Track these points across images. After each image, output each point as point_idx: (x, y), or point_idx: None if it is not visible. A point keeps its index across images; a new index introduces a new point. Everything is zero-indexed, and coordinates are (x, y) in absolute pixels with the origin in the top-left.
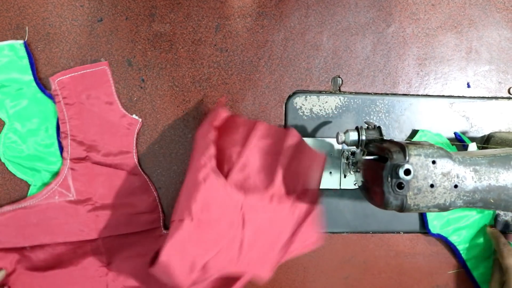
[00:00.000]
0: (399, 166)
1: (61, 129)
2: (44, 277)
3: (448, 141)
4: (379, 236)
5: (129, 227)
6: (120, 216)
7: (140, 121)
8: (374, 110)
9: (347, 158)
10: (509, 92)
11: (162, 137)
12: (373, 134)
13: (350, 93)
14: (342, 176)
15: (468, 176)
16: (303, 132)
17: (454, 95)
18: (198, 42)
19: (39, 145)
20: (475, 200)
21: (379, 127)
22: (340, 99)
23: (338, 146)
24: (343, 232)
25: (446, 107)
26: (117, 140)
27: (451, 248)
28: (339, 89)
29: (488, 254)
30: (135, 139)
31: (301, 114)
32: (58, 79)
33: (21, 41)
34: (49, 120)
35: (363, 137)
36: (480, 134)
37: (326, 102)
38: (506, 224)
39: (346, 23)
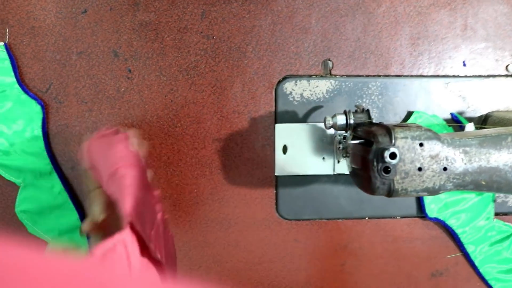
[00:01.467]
0: (384, 149)
1: None
2: None
3: (444, 122)
4: (375, 221)
5: None
6: None
7: None
8: (366, 93)
9: (339, 143)
10: (506, 70)
11: (151, 128)
12: (362, 118)
13: (341, 76)
14: (336, 161)
15: (458, 158)
16: (294, 117)
17: (449, 74)
18: (184, 30)
19: (25, 146)
20: (466, 183)
21: (367, 110)
22: (331, 82)
23: (330, 131)
24: (338, 218)
25: (441, 87)
26: None
27: (450, 232)
28: (330, 73)
29: (488, 237)
30: None
31: (292, 99)
32: None
33: (1, 43)
34: (34, 121)
35: (351, 121)
36: (477, 114)
37: (317, 86)
38: None
39: (335, 4)
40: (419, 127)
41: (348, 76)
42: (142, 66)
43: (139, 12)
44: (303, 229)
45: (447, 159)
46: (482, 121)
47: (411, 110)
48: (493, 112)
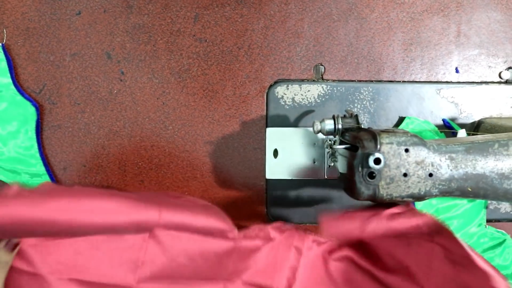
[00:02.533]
0: (369, 155)
1: None
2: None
3: (436, 128)
4: None
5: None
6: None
7: None
8: (358, 98)
9: (330, 147)
10: (500, 77)
11: (142, 130)
12: (350, 123)
13: (333, 81)
14: (327, 165)
15: (444, 164)
16: (285, 121)
17: (442, 80)
18: (177, 33)
19: (19, 147)
20: (452, 189)
21: (356, 115)
22: (322, 87)
23: (321, 136)
24: None
25: (434, 93)
26: None
27: None
28: (322, 77)
29: (480, 244)
30: None
31: (283, 103)
32: None
33: None
34: (28, 123)
35: (339, 126)
36: (470, 121)
37: (309, 90)
38: None
39: (328, 9)
40: (405, 132)
41: (340, 81)
42: (134, 68)
43: (133, 14)
44: None
45: (432, 165)
46: (475, 128)
47: (403, 115)
48: (485, 118)
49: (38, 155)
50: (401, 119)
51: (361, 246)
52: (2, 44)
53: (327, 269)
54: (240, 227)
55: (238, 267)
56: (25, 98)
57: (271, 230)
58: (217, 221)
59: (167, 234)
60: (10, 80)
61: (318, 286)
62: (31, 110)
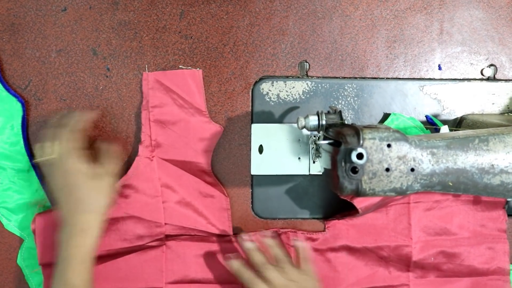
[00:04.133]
0: (352, 150)
1: (143, 118)
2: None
3: (421, 125)
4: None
5: (197, 225)
6: (189, 213)
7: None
8: (342, 94)
9: (315, 143)
10: (481, 74)
11: (128, 126)
12: (334, 119)
13: (318, 77)
14: (311, 161)
15: (425, 159)
16: (270, 118)
17: (425, 77)
18: (163, 29)
19: (5, 143)
20: (433, 184)
21: (340, 112)
22: (307, 84)
23: (306, 132)
24: (314, 218)
25: (417, 90)
26: (194, 144)
27: None
28: (306, 74)
29: None
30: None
31: (268, 100)
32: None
33: None
34: (14, 118)
35: (323, 122)
36: (452, 117)
37: (293, 87)
38: None
39: (312, 7)
40: (387, 128)
41: (324, 77)
42: (120, 64)
43: (118, 11)
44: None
45: (414, 160)
46: (457, 124)
47: (387, 112)
48: (467, 115)
49: (24, 151)
50: (386, 116)
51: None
52: None
53: (325, 259)
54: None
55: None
56: (11, 94)
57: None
58: (214, 227)
59: (177, 244)
60: None
61: (318, 268)
62: (16, 106)
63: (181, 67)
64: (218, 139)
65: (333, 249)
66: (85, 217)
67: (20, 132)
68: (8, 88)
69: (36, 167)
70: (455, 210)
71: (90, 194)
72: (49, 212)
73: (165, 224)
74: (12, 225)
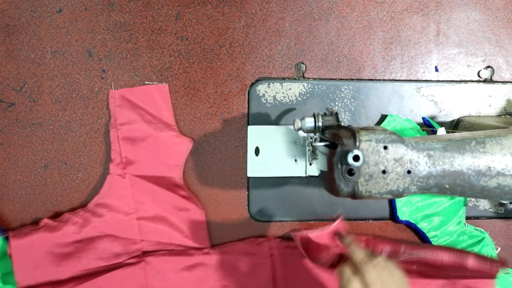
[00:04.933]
0: (348, 152)
1: (111, 136)
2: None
3: (418, 127)
4: (347, 223)
5: (173, 240)
6: (164, 228)
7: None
8: (339, 96)
9: (311, 145)
10: (478, 76)
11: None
12: (330, 120)
13: (314, 79)
14: (308, 163)
15: (422, 161)
16: (267, 120)
17: (422, 79)
18: (158, 31)
19: None
20: (430, 186)
21: (336, 113)
22: (304, 85)
23: (302, 134)
24: (310, 220)
25: (414, 92)
26: (165, 159)
27: (421, 236)
28: (303, 76)
29: (459, 241)
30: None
31: (264, 101)
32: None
33: None
34: None
35: (320, 124)
36: (449, 119)
37: (290, 89)
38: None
39: (309, 8)
40: (384, 130)
41: (321, 79)
42: (116, 66)
43: (114, 12)
44: (274, 231)
45: (411, 162)
46: (454, 126)
47: (384, 114)
48: (464, 117)
49: None
50: (383, 117)
51: None
52: None
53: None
54: (221, 226)
55: (221, 280)
56: None
57: (245, 245)
58: (191, 240)
59: (155, 259)
60: None
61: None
62: None
63: (147, 83)
64: (188, 152)
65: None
66: None
67: None
68: None
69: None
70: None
71: None
72: (24, 235)
73: (141, 240)
74: None
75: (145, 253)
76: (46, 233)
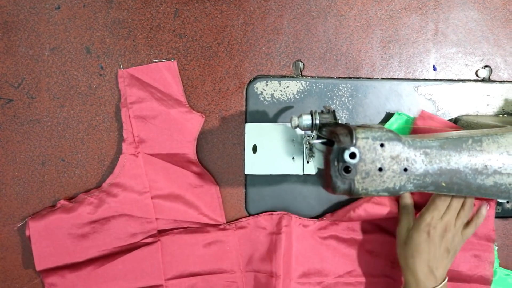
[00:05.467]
0: (345, 149)
1: (123, 116)
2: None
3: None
4: None
5: (188, 217)
6: (179, 206)
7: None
8: (337, 94)
9: (308, 143)
10: (476, 75)
11: (121, 125)
12: (327, 118)
13: (312, 77)
14: (305, 161)
15: (418, 159)
16: (264, 117)
17: (420, 78)
18: (157, 28)
19: None
20: (426, 184)
21: (333, 111)
22: (301, 83)
23: (300, 132)
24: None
25: (412, 91)
26: (177, 136)
27: None
28: (301, 74)
29: None
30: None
31: (262, 99)
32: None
33: None
34: None
35: (317, 121)
36: (447, 118)
37: (288, 87)
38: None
39: (307, 6)
40: (380, 128)
41: (318, 77)
42: (114, 63)
43: (112, 9)
44: None
45: (407, 160)
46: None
47: (381, 112)
48: (462, 116)
49: None
50: (389, 115)
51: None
52: None
53: (316, 242)
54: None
55: (239, 256)
56: None
57: (261, 219)
58: (206, 217)
59: (171, 239)
60: None
61: (311, 254)
62: None
63: (155, 60)
64: (200, 128)
65: (322, 238)
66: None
67: None
68: None
69: None
70: None
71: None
72: (42, 217)
73: (157, 219)
74: None
75: (161, 232)
76: (63, 215)
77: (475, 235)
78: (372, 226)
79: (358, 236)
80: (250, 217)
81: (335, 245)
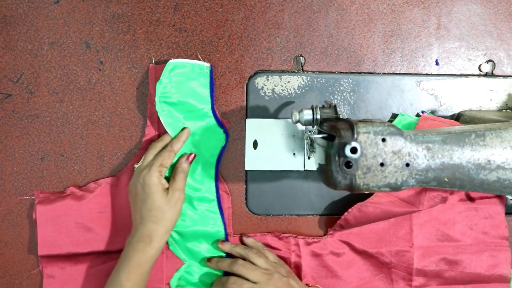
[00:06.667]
0: (346, 144)
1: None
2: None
3: None
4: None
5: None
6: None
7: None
8: (338, 89)
9: (309, 138)
10: (479, 69)
11: (121, 120)
12: (328, 113)
13: (313, 72)
14: (306, 157)
15: (421, 154)
16: (265, 113)
17: (422, 73)
18: (157, 22)
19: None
20: (429, 179)
21: (334, 106)
22: (303, 78)
23: (301, 127)
24: (308, 215)
25: (414, 85)
26: None
27: None
28: (302, 69)
29: None
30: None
31: (263, 94)
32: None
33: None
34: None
35: (318, 116)
36: (449, 113)
37: (289, 82)
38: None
39: (308, 0)
40: (382, 122)
41: (320, 72)
42: (113, 58)
43: (112, 3)
44: (272, 225)
45: (409, 155)
46: (454, 120)
47: (383, 107)
48: (465, 111)
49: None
50: (394, 116)
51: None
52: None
53: (324, 263)
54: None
55: None
56: (218, 124)
57: (269, 239)
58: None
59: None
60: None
61: (319, 273)
62: (220, 137)
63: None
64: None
65: (334, 253)
66: (155, 227)
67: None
68: (218, 118)
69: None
70: (457, 216)
71: (164, 208)
72: (50, 201)
73: None
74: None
75: None
76: (72, 201)
77: (487, 235)
78: (384, 234)
79: (372, 248)
80: (258, 234)
81: (347, 262)
